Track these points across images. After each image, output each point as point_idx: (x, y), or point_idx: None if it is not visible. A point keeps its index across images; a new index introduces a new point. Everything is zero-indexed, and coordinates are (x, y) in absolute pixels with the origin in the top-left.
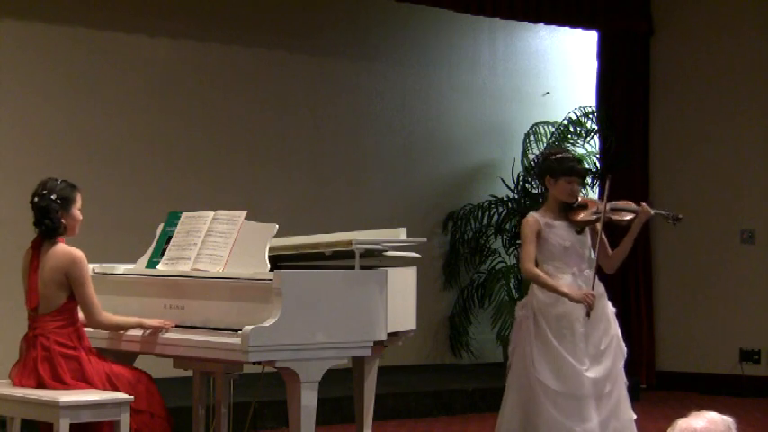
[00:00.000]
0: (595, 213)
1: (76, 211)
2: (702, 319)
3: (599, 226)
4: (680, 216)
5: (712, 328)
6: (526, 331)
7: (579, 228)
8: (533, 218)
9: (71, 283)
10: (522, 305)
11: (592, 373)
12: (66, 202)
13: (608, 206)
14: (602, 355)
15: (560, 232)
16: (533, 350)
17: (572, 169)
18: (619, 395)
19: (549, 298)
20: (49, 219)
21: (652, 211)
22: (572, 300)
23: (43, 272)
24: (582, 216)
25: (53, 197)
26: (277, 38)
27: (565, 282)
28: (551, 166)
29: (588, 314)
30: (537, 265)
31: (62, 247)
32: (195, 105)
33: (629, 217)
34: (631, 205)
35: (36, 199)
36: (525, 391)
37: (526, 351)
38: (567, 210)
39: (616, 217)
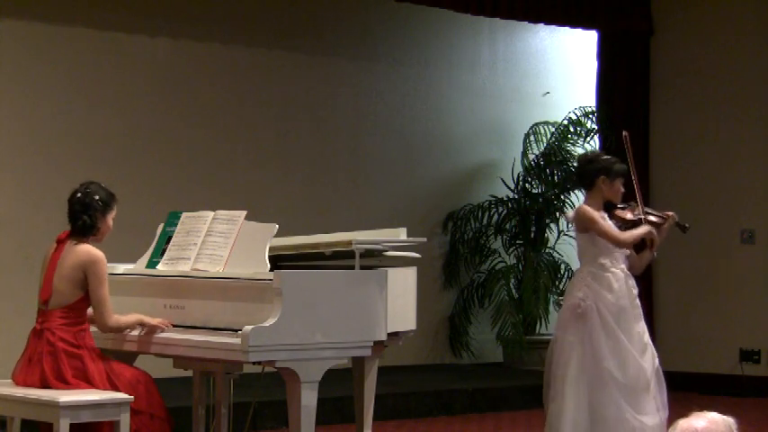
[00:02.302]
0: (638, 215)
1: (110, 219)
2: (702, 319)
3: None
4: (687, 225)
5: (712, 328)
6: (593, 322)
7: (625, 227)
8: (589, 208)
9: (88, 282)
10: (584, 297)
11: (645, 367)
12: (106, 207)
13: (645, 209)
14: (645, 349)
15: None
16: (602, 340)
17: (625, 171)
18: (663, 389)
19: (611, 292)
20: (87, 215)
21: (676, 219)
22: (651, 232)
23: (62, 267)
24: (630, 215)
25: (96, 197)
26: (277, 38)
27: (619, 277)
28: (607, 166)
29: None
30: (591, 259)
31: (85, 247)
32: (195, 105)
33: (658, 220)
34: (658, 212)
35: (79, 195)
36: (591, 382)
37: (594, 341)
38: (610, 209)
39: (654, 219)
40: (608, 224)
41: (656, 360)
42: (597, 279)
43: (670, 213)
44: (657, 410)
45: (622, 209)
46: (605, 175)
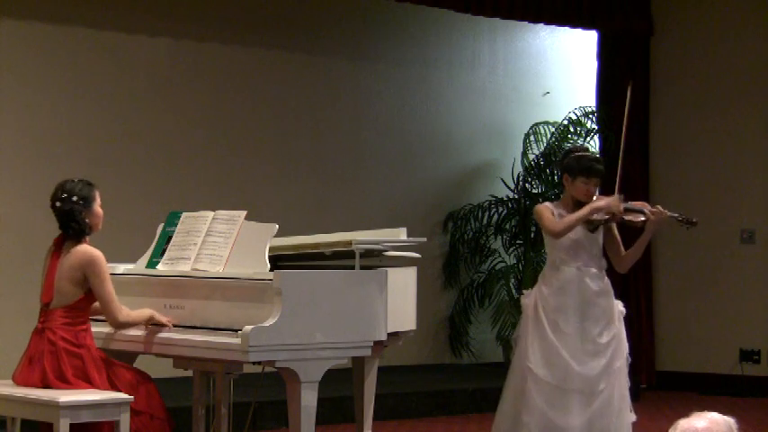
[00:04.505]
0: (608, 213)
1: (98, 208)
2: (702, 319)
3: (613, 226)
4: (694, 220)
5: (712, 328)
6: (526, 320)
7: (591, 226)
8: (546, 204)
9: (90, 282)
10: (527, 295)
11: (584, 368)
12: (87, 202)
13: (622, 206)
14: (599, 351)
15: None
16: (528, 339)
17: (590, 169)
18: (615, 395)
19: (550, 289)
20: (75, 221)
21: (667, 214)
22: (600, 206)
23: (62, 268)
24: (595, 215)
25: (74, 199)
26: (277, 38)
27: (566, 275)
28: (570, 164)
29: (608, 221)
30: (548, 258)
31: (83, 247)
32: (195, 105)
33: (642, 218)
34: (646, 207)
35: (58, 203)
36: (518, 379)
37: (522, 339)
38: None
39: (629, 218)
40: (549, 217)
41: (621, 362)
42: (544, 277)
43: (657, 210)
44: (606, 414)
45: None
46: (567, 173)
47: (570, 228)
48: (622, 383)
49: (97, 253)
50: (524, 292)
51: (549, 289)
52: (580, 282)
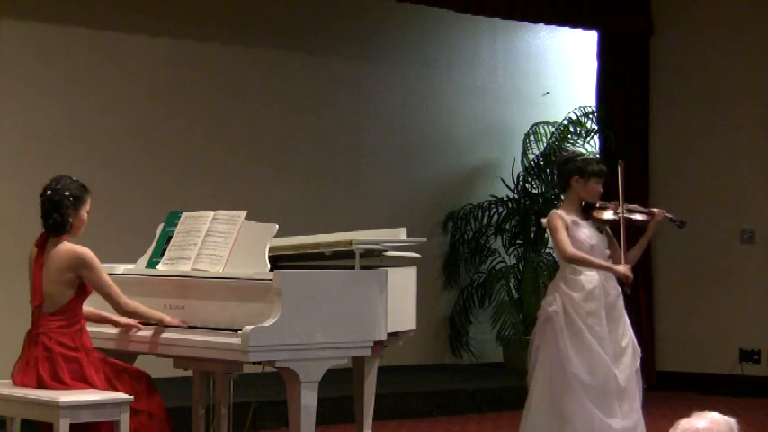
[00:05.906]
0: (616, 213)
1: (84, 212)
2: (702, 319)
3: (621, 226)
4: (684, 220)
5: (712, 328)
6: (558, 327)
7: (602, 227)
8: (559, 213)
9: (86, 278)
10: (551, 302)
11: (618, 369)
12: (78, 201)
13: (625, 207)
14: (623, 352)
15: (586, 231)
16: (567, 344)
17: (601, 171)
18: (635, 392)
19: (581, 294)
20: (58, 213)
21: (666, 214)
22: (617, 273)
23: (49, 271)
24: (606, 215)
25: (66, 193)
26: (277, 38)
27: (592, 279)
28: (580, 167)
29: (628, 292)
30: (564, 263)
31: (67, 246)
32: (195, 105)
33: (643, 218)
34: (644, 209)
35: (49, 192)
36: (557, 386)
37: (560, 345)
38: (588, 209)
39: (634, 217)
40: (563, 237)
41: (638, 361)
42: (569, 283)
43: (656, 210)
44: (631, 413)
45: (600, 208)
46: (579, 175)
47: (582, 265)
48: (638, 382)
49: (83, 249)
50: (545, 300)
51: (579, 294)
52: (604, 286)
